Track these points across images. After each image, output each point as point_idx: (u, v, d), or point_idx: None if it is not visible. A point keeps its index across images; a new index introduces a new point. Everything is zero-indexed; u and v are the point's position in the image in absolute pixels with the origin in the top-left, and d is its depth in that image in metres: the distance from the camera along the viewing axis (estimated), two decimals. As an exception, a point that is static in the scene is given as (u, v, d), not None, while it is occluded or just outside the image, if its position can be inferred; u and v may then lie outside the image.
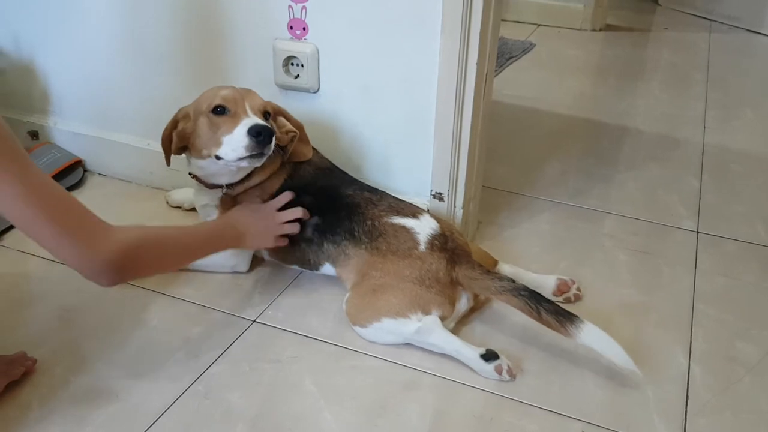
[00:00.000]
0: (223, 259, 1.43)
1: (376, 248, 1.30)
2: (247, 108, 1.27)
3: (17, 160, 0.91)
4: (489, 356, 1.18)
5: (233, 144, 1.25)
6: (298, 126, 1.41)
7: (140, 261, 1.05)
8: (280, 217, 1.34)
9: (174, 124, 1.35)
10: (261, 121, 1.25)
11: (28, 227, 0.93)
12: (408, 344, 1.25)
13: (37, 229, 0.93)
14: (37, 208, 0.91)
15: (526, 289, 1.20)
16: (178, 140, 1.35)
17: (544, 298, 1.19)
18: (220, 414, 1.12)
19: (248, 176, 1.38)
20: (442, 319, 1.25)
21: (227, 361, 1.23)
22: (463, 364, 1.21)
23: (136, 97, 1.69)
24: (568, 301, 1.38)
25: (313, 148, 1.46)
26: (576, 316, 1.16)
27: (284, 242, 1.36)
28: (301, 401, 1.15)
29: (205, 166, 1.35)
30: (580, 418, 1.12)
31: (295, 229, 1.35)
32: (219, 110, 1.27)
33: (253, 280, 1.44)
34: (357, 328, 1.28)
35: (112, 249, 0.97)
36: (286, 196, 1.36)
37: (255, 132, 1.23)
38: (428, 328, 1.22)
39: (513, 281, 1.22)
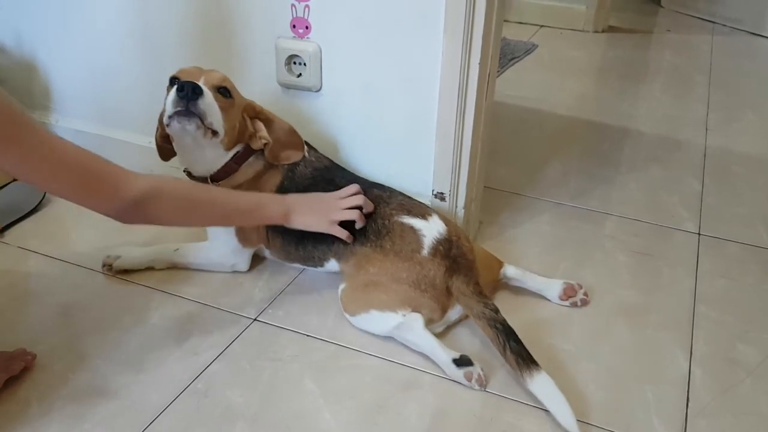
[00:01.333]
0: (222, 258, 1.43)
1: (381, 246, 1.29)
2: (202, 80, 1.28)
3: (27, 129, 0.94)
4: (462, 362, 1.18)
5: (166, 104, 1.26)
6: (285, 128, 1.40)
7: (162, 206, 1.09)
8: (341, 203, 1.30)
9: (160, 113, 1.38)
10: (199, 84, 1.25)
11: (53, 190, 1.00)
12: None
13: (61, 191, 0.99)
14: (56, 173, 0.96)
15: (503, 323, 1.19)
16: (161, 128, 1.38)
17: (515, 336, 1.18)
18: (220, 412, 1.12)
19: (230, 173, 1.37)
20: (431, 322, 1.25)
21: (227, 359, 1.23)
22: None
23: (138, 95, 1.69)
24: (574, 305, 1.37)
25: (311, 147, 1.46)
26: (536, 365, 1.14)
27: (343, 233, 1.29)
28: (300, 400, 1.15)
29: (177, 149, 1.38)
30: (580, 419, 1.12)
31: (354, 215, 1.29)
32: (173, 82, 1.29)
33: (253, 279, 1.44)
34: (346, 315, 1.30)
35: (133, 192, 1.03)
36: (353, 188, 1.33)
37: (180, 87, 1.23)
38: (408, 326, 1.23)
39: (496, 311, 1.21)
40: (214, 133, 1.29)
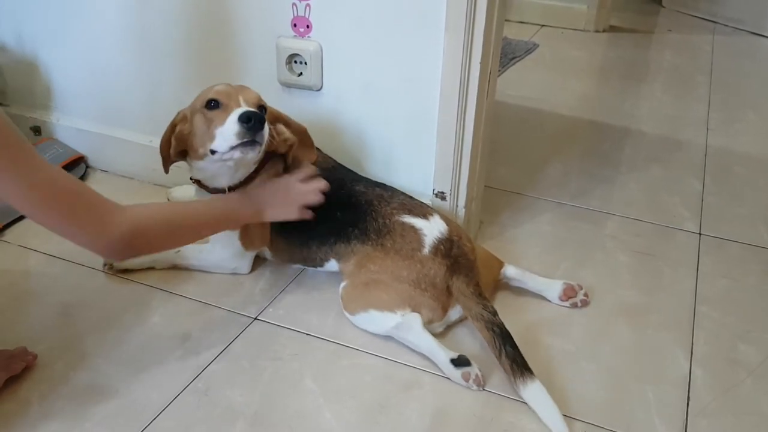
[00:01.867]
0: (224, 262, 1.43)
1: (381, 245, 1.30)
2: (241, 101, 1.26)
3: (20, 155, 0.92)
4: (459, 362, 1.18)
5: (225, 134, 1.23)
6: (301, 130, 1.39)
7: (148, 238, 1.08)
8: (303, 187, 1.32)
9: (172, 128, 1.33)
10: (252, 109, 1.24)
11: (38, 220, 0.96)
12: (409, 343, 1.26)
13: (47, 222, 0.97)
14: (44, 202, 0.94)
15: (500, 326, 1.19)
16: (177, 144, 1.33)
17: (511, 341, 1.18)
18: (220, 411, 1.12)
19: (250, 180, 1.36)
20: (431, 322, 1.25)
21: (228, 358, 1.23)
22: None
23: (139, 94, 1.69)
24: (574, 306, 1.37)
25: (317, 148, 1.46)
26: (529, 372, 1.14)
27: (309, 214, 1.31)
28: (301, 399, 1.15)
29: (204, 167, 1.33)
30: (581, 419, 1.12)
31: (318, 198, 1.31)
32: (212, 104, 1.26)
33: (254, 278, 1.44)
34: (346, 313, 1.30)
35: (120, 229, 1.01)
36: (309, 169, 1.34)
37: (245, 118, 1.21)
38: (407, 325, 1.23)
39: (494, 314, 1.21)
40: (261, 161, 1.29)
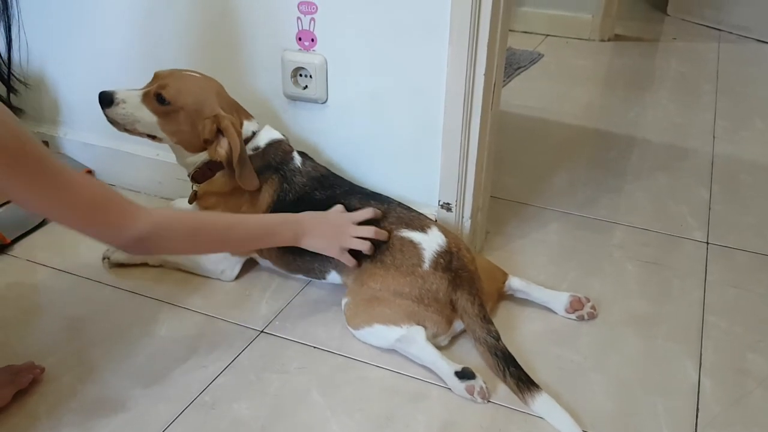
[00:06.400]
0: (211, 263, 1.44)
1: (381, 261, 1.29)
2: (154, 86, 1.36)
3: (42, 166, 0.93)
4: (464, 375, 1.17)
5: None
6: (238, 158, 1.35)
7: (168, 239, 1.11)
8: (354, 230, 1.29)
9: None
10: (113, 90, 1.36)
11: (57, 219, 1.01)
12: (415, 355, 1.25)
13: (66, 221, 1.01)
14: (67, 209, 0.99)
15: (503, 351, 1.20)
16: None
17: (514, 362, 1.18)
18: (227, 424, 1.12)
19: (206, 178, 1.42)
20: (436, 336, 1.25)
21: (234, 371, 1.23)
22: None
23: (145, 108, 1.70)
24: (581, 318, 1.36)
25: (306, 156, 1.46)
26: (535, 386, 1.15)
27: (350, 261, 1.30)
28: (308, 412, 1.15)
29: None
30: (589, 430, 1.11)
31: (364, 246, 1.28)
32: None
33: (261, 291, 1.44)
34: (349, 328, 1.30)
35: (137, 229, 1.03)
36: (369, 213, 1.32)
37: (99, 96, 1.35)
38: (411, 338, 1.22)
39: (497, 339, 1.21)
40: (152, 137, 1.40)
